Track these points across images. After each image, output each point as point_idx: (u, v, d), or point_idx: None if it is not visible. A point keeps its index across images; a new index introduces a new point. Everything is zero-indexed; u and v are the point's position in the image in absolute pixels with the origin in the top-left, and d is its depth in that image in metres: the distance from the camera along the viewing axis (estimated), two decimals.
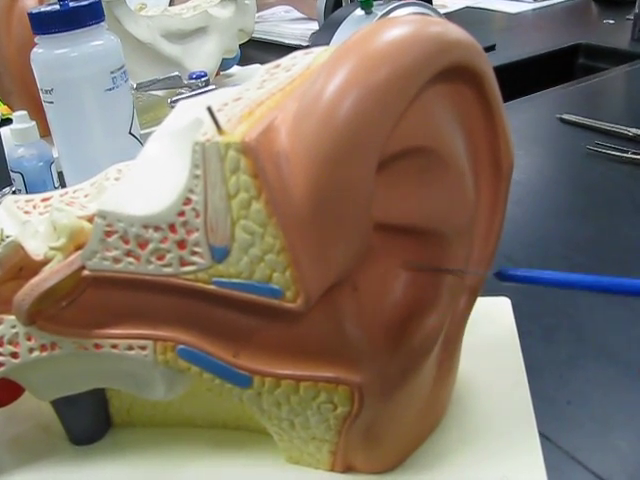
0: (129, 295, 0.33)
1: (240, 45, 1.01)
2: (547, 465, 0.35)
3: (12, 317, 0.34)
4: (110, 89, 0.62)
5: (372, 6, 0.74)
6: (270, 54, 1.18)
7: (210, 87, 0.83)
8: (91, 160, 0.64)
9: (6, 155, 0.67)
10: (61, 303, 0.34)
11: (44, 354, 0.35)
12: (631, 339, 0.44)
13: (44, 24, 0.59)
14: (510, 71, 1.03)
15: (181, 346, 0.33)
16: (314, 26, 1.20)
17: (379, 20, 0.31)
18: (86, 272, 0.33)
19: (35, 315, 0.34)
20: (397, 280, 0.33)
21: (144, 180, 0.33)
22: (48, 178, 0.65)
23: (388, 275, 0.32)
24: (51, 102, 0.62)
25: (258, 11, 1.06)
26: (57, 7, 0.59)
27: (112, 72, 0.62)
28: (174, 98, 0.78)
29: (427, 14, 0.75)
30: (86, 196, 0.38)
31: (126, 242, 0.32)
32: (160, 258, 0.31)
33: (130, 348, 0.34)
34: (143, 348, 0.34)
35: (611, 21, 1.19)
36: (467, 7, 1.40)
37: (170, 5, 1.17)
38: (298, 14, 1.34)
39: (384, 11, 0.73)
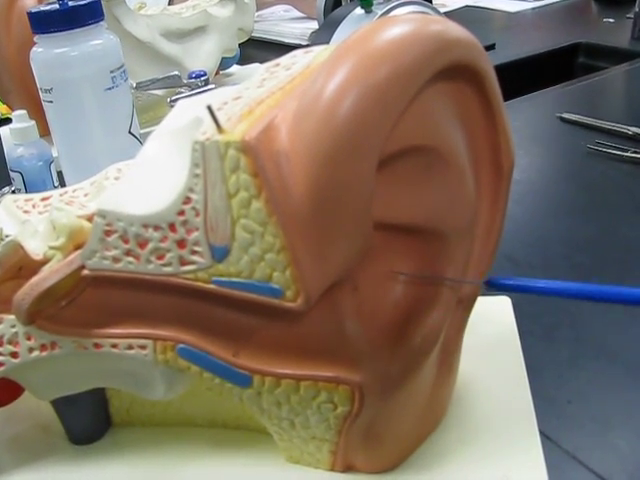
0: (129, 294, 0.33)
1: (240, 44, 1.01)
2: (548, 464, 0.35)
3: (12, 316, 0.34)
4: (109, 88, 0.62)
5: (372, 5, 0.74)
6: (270, 53, 1.18)
7: (210, 86, 0.82)
8: (91, 159, 0.64)
9: (5, 154, 0.67)
10: (61, 302, 0.34)
11: (44, 354, 0.35)
12: (631, 339, 0.44)
13: (43, 23, 0.59)
14: (510, 70, 1.03)
15: (181, 345, 0.33)
16: (314, 25, 1.20)
17: (379, 19, 0.31)
18: (86, 271, 0.33)
19: (35, 314, 0.34)
20: (397, 279, 0.32)
21: (144, 179, 0.33)
22: (47, 177, 0.65)
23: (388, 274, 0.32)
24: (50, 101, 0.62)
25: (257, 10, 1.06)
26: (56, 6, 0.59)
27: (111, 71, 0.62)
28: (173, 97, 0.78)
29: (427, 13, 0.75)
30: (86, 195, 0.38)
31: (126, 241, 0.31)
32: (160, 257, 0.31)
33: (130, 347, 0.34)
34: (143, 347, 0.34)
35: (611, 20, 1.19)
36: (467, 6, 1.40)
37: (169, 4, 1.17)
38: (297, 13, 1.34)
39: (384, 10, 0.73)
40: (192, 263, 0.30)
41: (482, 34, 1.17)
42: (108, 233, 0.32)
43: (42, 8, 0.60)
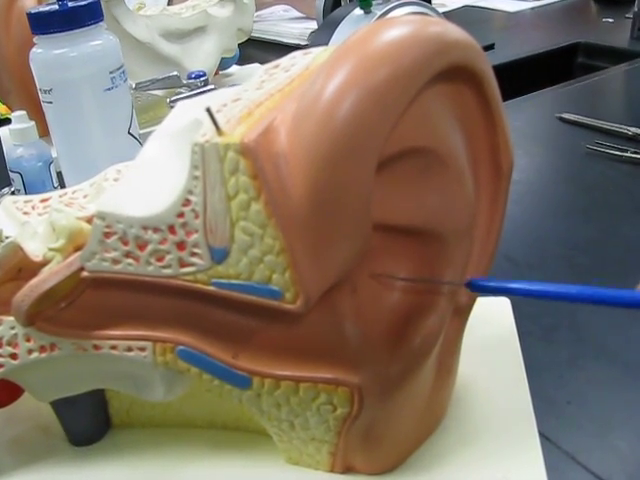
0: (128, 296, 0.33)
1: (239, 44, 1.01)
2: (547, 465, 0.35)
3: (11, 318, 0.34)
4: (109, 89, 0.62)
5: (371, 5, 0.74)
6: (269, 53, 1.18)
7: (209, 87, 0.82)
8: (90, 160, 0.64)
9: (5, 155, 0.67)
10: (60, 304, 0.34)
11: (43, 355, 0.35)
12: (630, 339, 0.44)
13: (43, 24, 0.59)
14: (509, 70, 1.03)
15: (180, 347, 0.33)
16: (313, 25, 1.20)
17: (378, 20, 0.31)
18: (85, 273, 0.33)
19: (34, 316, 0.34)
20: (396, 280, 0.33)
21: (143, 181, 0.33)
22: (47, 178, 0.65)
23: (387, 275, 0.32)
24: (50, 102, 0.62)
25: (257, 10, 1.06)
26: (56, 7, 0.59)
27: (111, 72, 0.62)
28: (173, 98, 0.78)
29: (426, 13, 0.75)
30: (85, 197, 0.38)
31: (125, 243, 0.31)
32: (159, 259, 0.31)
33: (129, 349, 0.34)
34: (142, 349, 0.34)
35: (610, 20, 1.19)
36: (466, 6, 1.40)
37: (169, 4, 1.17)
38: (297, 13, 1.34)
39: (383, 10, 0.73)
40: (191, 265, 0.30)
41: (481, 34, 1.17)
42: (107, 235, 0.32)
43: (41, 9, 0.60)
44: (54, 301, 0.34)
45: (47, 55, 0.60)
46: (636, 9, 1.06)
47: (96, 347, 0.34)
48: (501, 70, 0.98)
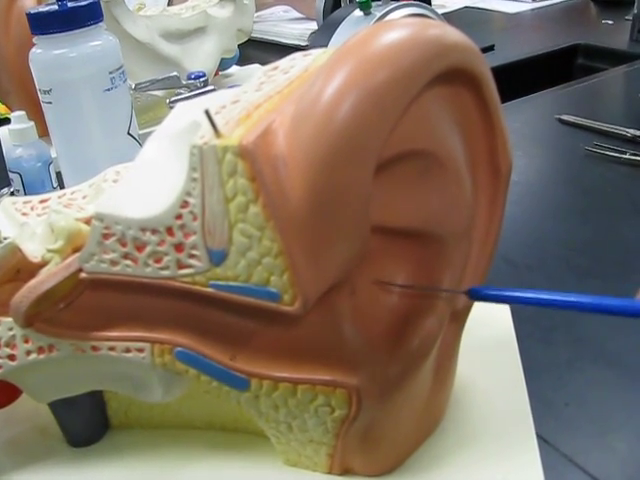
0: (126, 298, 0.33)
1: (239, 45, 1.01)
2: (545, 467, 0.35)
3: (9, 319, 0.34)
4: (109, 89, 0.62)
5: (371, 7, 0.74)
6: (269, 54, 1.18)
7: (209, 87, 0.82)
8: (90, 160, 0.64)
9: (4, 155, 0.67)
10: (59, 305, 0.34)
11: (41, 356, 0.35)
12: (629, 341, 0.44)
13: (42, 24, 0.59)
14: (509, 71, 1.03)
15: (178, 349, 0.33)
16: (313, 26, 1.20)
17: (377, 23, 0.31)
18: (84, 274, 0.33)
19: (33, 317, 0.34)
20: (395, 282, 0.33)
21: (142, 182, 0.33)
22: (46, 178, 0.65)
23: (386, 278, 0.32)
24: (49, 102, 0.62)
25: (257, 11, 1.06)
26: (55, 7, 0.59)
27: (111, 72, 0.62)
28: (173, 98, 0.78)
29: (426, 15, 0.75)
30: (84, 197, 0.38)
31: (124, 245, 0.31)
32: (157, 261, 0.31)
33: (127, 350, 0.34)
34: (140, 350, 0.34)
35: (610, 21, 1.19)
36: (466, 7, 1.40)
37: (169, 5, 1.17)
38: (297, 14, 1.34)
39: (383, 12, 0.73)
40: (190, 267, 0.30)
41: (481, 35, 1.17)
42: (106, 236, 0.32)
43: (41, 9, 0.60)
44: (52, 302, 0.34)
45: (47, 55, 0.60)
46: (636, 11, 1.06)
47: (94, 348, 0.34)
48: (501, 71, 0.98)
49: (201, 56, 0.93)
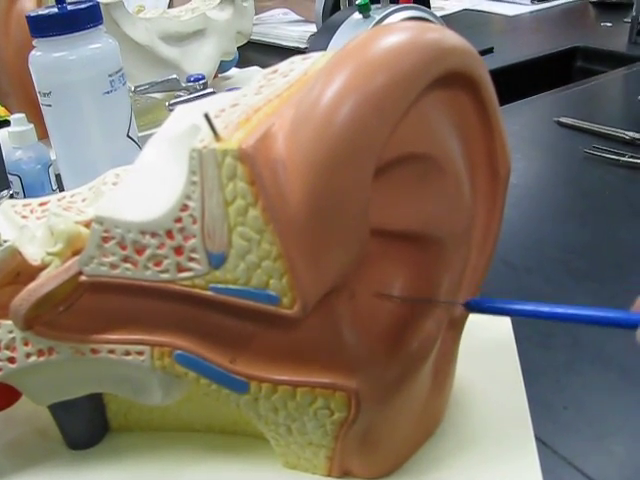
0: (126, 300, 0.33)
1: (238, 47, 1.01)
2: (543, 470, 0.35)
3: (9, 322, 0.34)
4: (108, 92, 0.62)
5: (370, 10, 0.74)
6: (268, 56, 1.19)
7: (208, 90, 0.83)
8: (89, 163, 0.64)
9: (4, 157, 0.67)
10: (58, 308, 0.34)
11: (41, 359, 0.35)
12: (627, 344, 0.44)
13: (42, 27, 0.59)
14: (508, 74, 1.03)
15: (178, 351, 0.33)
16: (312, 28, 1.20)
17: (376, 27, 0.31)
18: (83, 277, 0.33)
19: (32, 320, 0.34)
20: (394, 286, 0.33)
21: (141, 186, 0.33)
22: (46, 180, 0.65)
23: (385, 281, 0.32)
24: (49, 105, 0.62)
25: (256, 14, 1.06)
26: (55, 10, 0.59)
27: (110, 75, 0.62)
28: (172, 101, 0.78)
29: (425, 18, 0.75)
30: (83, 200, 0.38)
31: (123, 248, 0.32)
32: (157, 264, 0.31)
33: (127, 353, 0.34)
34: (140, 353, 0.34)
35: (609, 24, 1.20)
36: (465, 10, 1.40)
37: (169, 7, 1.17)
38: (296, 16, 1.34)
39: (382, 15, 0.74)
40: (189, 270, 0.31)
41: (480, 38, 1.17)
42: (106, 239, 0.32)
43: (41, 12, 0.60)
44: (52, 305, 0.34)
45: (46, 58, 0.60)
46: (634, 13, 1.07)
47: (94, 351, 0.34)
48: (500, 74, 0.98)
49: (200, 58, 0.93)
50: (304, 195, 0.28)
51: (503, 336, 0.44)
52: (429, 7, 0.94)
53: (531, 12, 1.35)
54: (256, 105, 0.31)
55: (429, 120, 0.31)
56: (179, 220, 0.30)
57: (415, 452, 0.37)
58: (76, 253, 0.33)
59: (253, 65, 1.07)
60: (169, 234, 0.30)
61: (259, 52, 1.22)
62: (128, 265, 0.32)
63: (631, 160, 0.67)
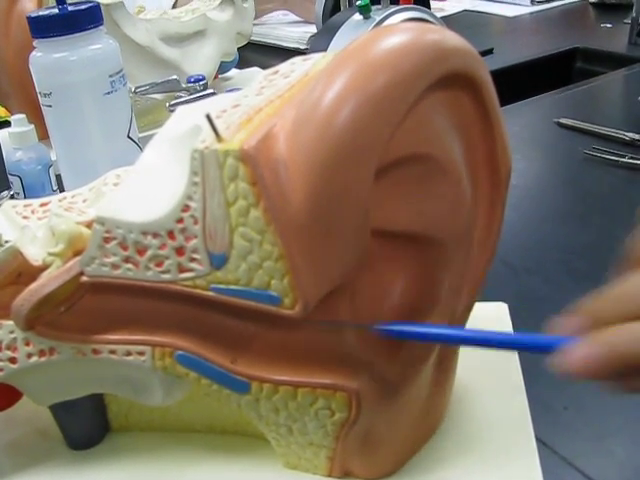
0: (127, 301, 0.33)
1: (238, 48, 1.01)
2: (544, 470, 0.35)
3: (10, 322, 0.34)
4: (108, 93, 0.62)
5: (370, 11, 0.75)
6: (268, 57, 1.19)
7: (208, 90, 0.83)
8: (89, 163, 0.64)
9: (4, 158, 0.67)
10: (59, 309, 0.34)
11: (42, 359, 0.35)
12: None
13: (43, 28, 0.59)
14: (508, 75, 1.03)
15: (179, 352, 0.33)
16: (312, 29, 1.20)
17: (377, 28, 0.31)
18: (84, 278, 0.33)
19: (34, 321, 0.34)
20: (395, 286, 0.33)
21: (143, 186, 0.33)
22: (46, 181, 0.65)
23: (386, 281, 0.32)
24: (49, 105, 0.62)
25: (256, 17, 1.06)
26: (56, 11, 0.59)
27: (111, 76, 0.62)
28: (172, 102, 0.78)
29: (425, 19, 0.75)
30: (84, 201, 0.38)
31: (125, 248, 0.32)
32: (158, 264, 0.31)
33: (128, 354, 0.34)
34: (141, 354, 0.34)
35: (608, 25, 1.20)
36: (465, 11, 1.40)
37: (173, 7, 1.17)
38: (296, 17, 1.34)
39: (382, 16, 0.74)
40: (190, 270, 0.31)
41: (480, 39, 1.17)
42: (107, 240, 0.32)
43: (41, 13, 0.60)
44: (53, 305, 0.34)
45: (47, 59, 0.60)
46: (634, 14, 1.07)
47: (95, 351, 0.34)
48: (500, 75, 0.98)
49: (201, 59, 0.93)
50: (305, 195, 0.28)
51: None
52: (429, 8, 0.95)
53: (531, 13, 1.35)
54: (257, 106, 0.31)
55: (430, 121, 0.31)
56: (181, 221, 0.30)
57: (416, 453, 0.37)
58: (77, 254, 0.34)
59: (253, 66, 1.07)
60: (170, 235, 0.30)
61: (259, 53, 1.22)
62: (129, 265, 0.32)
63: (631, 161, 0.67)
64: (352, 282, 0.31)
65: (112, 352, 0.34)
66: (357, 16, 0.75)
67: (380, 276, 0.32)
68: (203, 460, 0.38)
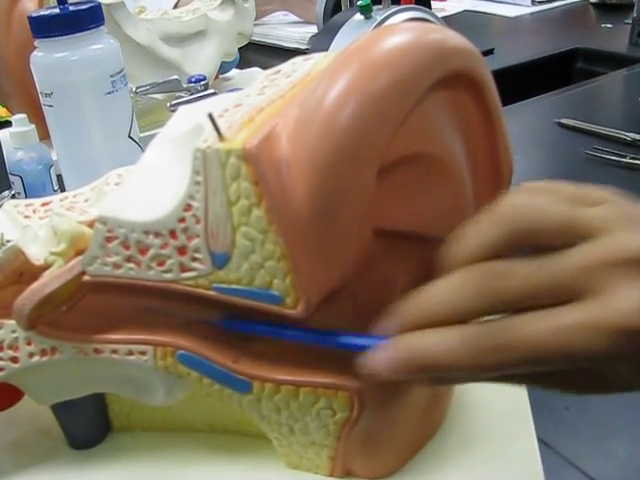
0: (129, 300, 0.33)
1: (239, 48, 1.01)
2: (545, 470, 0.35)
3: (12, 322, 0.34)
4: (109, 92, 0.62)
5: (371, 11, 0.75)
6: (269, 57, 1.19)
7: (209, 90, 0.83)
8: (90, 163, 0.64)
9: (5, 158, 0.67)
10: (61, 308, 0.34)
11: (44, 359, 0.35)
12: None
13: (44, 27, 0.59)
14: (508, 75, 1.03)
15: (181, 351, 0.33)
16: (312, 29, 1.20)
17: (379, 28, 0.31)
18: (86, 277, 0.33)
19: (35, 320, 0.34)
20: (397, 286, 0.33)
21: (145, 186, 0.33)
22: (47, 181, 0.65)
23: (388, 281, 0.32)
24: (50, 105, 0.62)
25: (256, 18, 1.06)
26: (57, 11, 0.59)
27: (112, 75, 0.62)
28: (173, 102, 0.78)
29: (426, 19, 0.75)
30: (86, 201, 0.38)
31: (127, 248, 0.32)
32: (160, 264, 0.31)
33: (130, 353, 0.34)
34: (143, 353, 0.34)
35: (609, 25, 1.20)
36: (466, 11, 1.40)
37: (175, 7, 1.17)
38: (296, 18, 1.34)
39: (383, 16, 0.74)
40: (192, 270, 0.31)
41: (481, 39, 1.17)
42: (109, 239, 0.32)
43: (42, 12, 0.60)
44: (55, 305, 0.34)
45: (48, 58, 0.60)
46: (635, 15, 1.07)
47: (97, 351, 0.34)
48: (500, 75, 0.98)
49: (201, 59, 0.93)
50: (307, 195, 0.28)
51: None
52: (430, 8, 0.94)
53: (532, 13, 1.35)
54: (259, 105, 0.31)
55: (432, 120, 0.31)
56: (183, 220, 0.30)
57: (417, 452, 0.37)
58: (79, 253, 0.34)
59: (254, 66, 1.07)
60: (172, 234, 0.30)
61: (260, 53, 1.22)
62: (131, 265, 0.32)
63: (632, 161, 0.67)
64: (354, 281, 0.31)
65: (114, 352, 0.34)
66: (358, 16, 0.75)
67: (382, 275, 0.32)
68: (204, 460, 0.38)
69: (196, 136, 0.30)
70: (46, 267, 0.34)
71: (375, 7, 0.75)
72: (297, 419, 0.34)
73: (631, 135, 0.72)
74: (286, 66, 0.35)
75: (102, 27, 0.62)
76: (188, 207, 0.30)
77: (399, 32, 0.30)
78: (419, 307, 0.27)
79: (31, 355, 0.35)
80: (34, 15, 0.60)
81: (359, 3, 0.74)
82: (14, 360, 0.35)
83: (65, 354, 0.35)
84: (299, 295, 0.29)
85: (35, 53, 0.61)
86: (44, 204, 0.39)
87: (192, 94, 0.81)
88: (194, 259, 0.30)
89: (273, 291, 0.29)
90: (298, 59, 0.35)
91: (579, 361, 0.25)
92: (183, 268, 0.31)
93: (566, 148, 0.75)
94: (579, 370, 0.26)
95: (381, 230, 0.31)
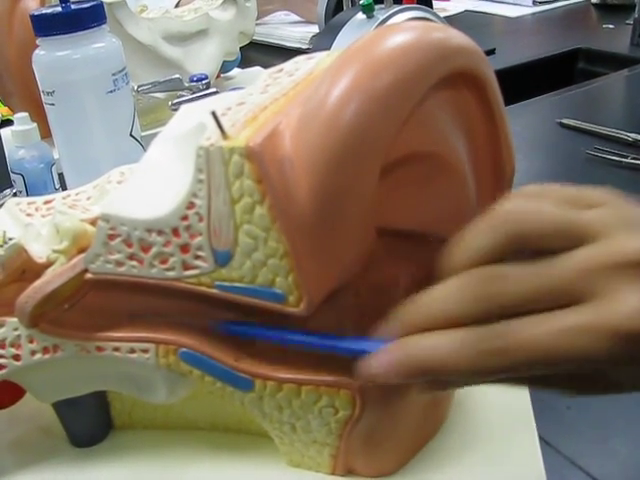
0: (132, 298, 0.33)
1: (240, 48, 1.01)
2: (547, 470, 0.35)
3: (14, 319, 0.34)
4: (111, 91, 0.62)
5: (373, 10, 0.75)
6: (270, 57, 1.19)
7: (211, 89, 0.83)
8: (92, 162, 0.64)
9: (7, 156, 0.67)
10: (63, 306, 0.34)
11: (46, 356, 0.35)
12: None
13: (46, 26, 0.59)
14: (510, 75, 1.03)
15: (183, 349, 0.33)
16: (314, 29, 1.20)
17: (382, 26, 0.31)
18: (89, 275, 0.33)
19: (38, 318, 0.34)
20: (399, 285, 0.33)
21: (147, 184, 0.33)
22: (49, 179, 0.65)
23: (390, 280, 0.32)
24: (52, 104, 0.62)
25: (258, 18, 1.06)
26: (59, 9, 0.59)
27: (113, 74, 0.62)
28: (175, 100, 0.78)
29: (428, 18, 0.75)
30: (88, 199, 0.38)
31: (129, 245, 0.32)
32: (163, 262, 0.31)
33: (132, 351, 0.34)
34: (145, 351, 0.34)
35: (611, 26, 1.20)
36: (467, 11, 1.40)
37: (176, 7, 1.17)
38: (298, 18, 1.34)
39: (385, 15, 0.74)
40: (195, 268, 0.31)
41: (482, 39, 1.17)
42: (112, 237, 0.32)
43: (44, 11, 0.60)
44: (57, 303, 0.34)
45: (50, 57, 0.60)
46: (636, 15, 1.07)
47: (99, 349, 0.34)
48: (502, 75, 0.98)
49: (203, 58, 0.93)
50: (310, 193, 0.28)
51: None
52: (431, 8, 0.94)
53: (533, 14, 1.35)
54: (262, 103, 0.31)
55: (434, 119, 0.31)
56: (185, 218, 0.30)
57: (419, 451, 0.37)
58: (82, 251, 0.34)
59: (255, 65, 1.07)
60: (175, 232, 0.30)
61: (261, 52, 1.22)
62: (134, 263, 0.32)
63: (633, 162, 0.67)
64: (356, 280, 0.31)
65: (116, 349, 0.34)
66: (360, 15, 0.75)
67: (384, 274, 0.32)
68: (206, 458, 0.38)
69: (199, 134, 0.30)
70: (48, 265, 0.34)
71: (377, 6, 0.75)
72: (299, 417, 0.34)
73: (632, 135, 0.72)
74: (289, 65, 0.35)
75: (104, 26, 0.62)
76: (191, 205, 0.30)
77: (402, 31, 0.30)
78: (418, 311, 0.28)
79: (33, 353, 0.35)
80: (36, 14, 0.60)
81: (361, 2, 0.74)
82: (16, 358, 0.35)
83: (67, 352, 0.35)
84: (302, 293, 0.29)
85: (37, 52, 0.61)
86: (46, 202, 0.39)
87: (194, 93, 0.81)
88: (197, 257, 0.30)
89: (276, 289, 0.29)
90: (300, 58, 0.35)
91: (579, 364, 0.25)
92: (186, 266, 0.31)
93: (567, 148, 0.75)
94: (579, 372, 0.26)
95: (384, 229, 0.31)
